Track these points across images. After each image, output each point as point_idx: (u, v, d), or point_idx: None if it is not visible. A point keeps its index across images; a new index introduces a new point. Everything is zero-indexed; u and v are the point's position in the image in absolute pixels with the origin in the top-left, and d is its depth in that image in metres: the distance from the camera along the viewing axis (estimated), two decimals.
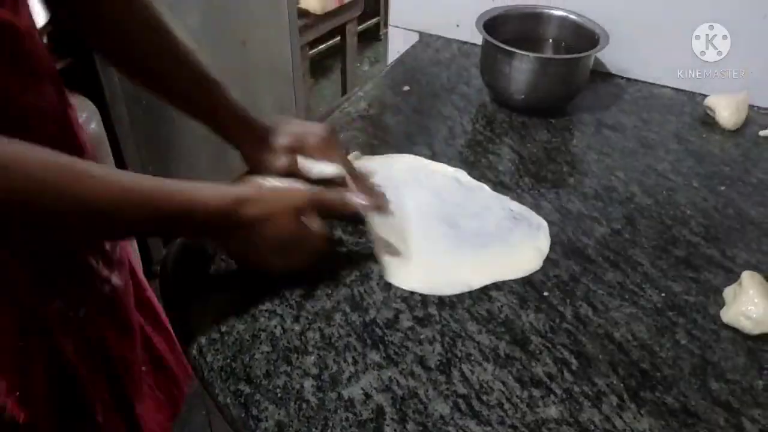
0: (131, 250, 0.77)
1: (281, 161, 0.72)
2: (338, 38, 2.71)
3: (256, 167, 0.73)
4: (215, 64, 1.97)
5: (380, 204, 0.70)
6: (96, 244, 0.63)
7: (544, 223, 0.77)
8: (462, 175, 0.85)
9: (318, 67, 3.11)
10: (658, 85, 1.09)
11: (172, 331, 0.80)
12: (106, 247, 0.65)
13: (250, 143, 0.72)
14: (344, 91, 2.74)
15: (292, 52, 2.15)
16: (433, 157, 0.88)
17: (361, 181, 0.74)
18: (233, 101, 0.70)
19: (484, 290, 0.68)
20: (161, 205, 0.53)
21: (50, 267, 0.58)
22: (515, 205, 0.80)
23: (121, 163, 1.63)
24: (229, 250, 0.67)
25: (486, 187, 0.83)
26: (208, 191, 0.57)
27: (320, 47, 2.94)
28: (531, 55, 0.93)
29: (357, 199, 0.67)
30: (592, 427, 0.55)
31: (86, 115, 1.44)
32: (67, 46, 1.48)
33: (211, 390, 0.58)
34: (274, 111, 2.13)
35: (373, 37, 3.34)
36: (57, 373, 0.59)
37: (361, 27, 3.02)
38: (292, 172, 0.72)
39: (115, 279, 0.67)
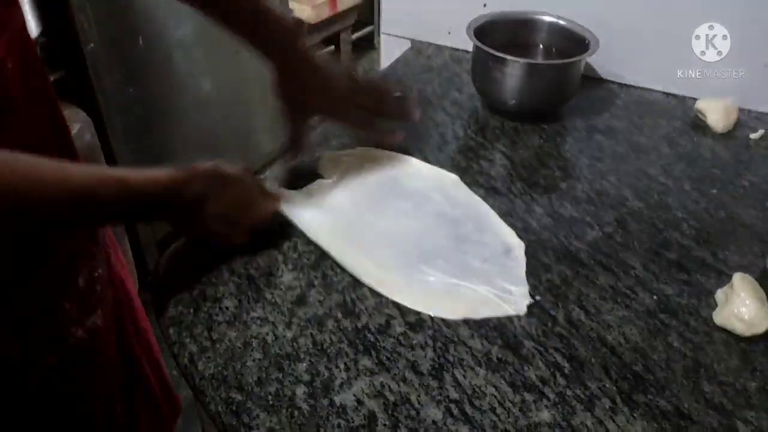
0: (127, 274, 0.76)
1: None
2: (333, 47, 2.71)
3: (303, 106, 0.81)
4: (208, 73, 1.97)
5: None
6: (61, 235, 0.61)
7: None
8: (456, 187, 0.84)
9: None
10: (649, 89, 1.09)
11: (163, 365, 0.79)
12: (79, 285, 0.62)
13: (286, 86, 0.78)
14: None
15: None
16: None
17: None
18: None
19: None
20: (98, 194, 0.53)
21: (14, 311, 0.56)
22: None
23: None
24: (176, 225, 0.68)
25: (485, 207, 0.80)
26: (152, 174, 0.59)
27: None
28: (522, 60, 0.93)
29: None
30: (585, 431, 0.55)
31: (80, 126, 1.43)
32: (60, 58, 1.49)
33: (203, 398, 0.58)
34: (268, 119, 2.13)
35: (368, 45, 3.35)
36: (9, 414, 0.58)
37: (355, 35, 3.03)
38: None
39: (93, 320, 0.63)
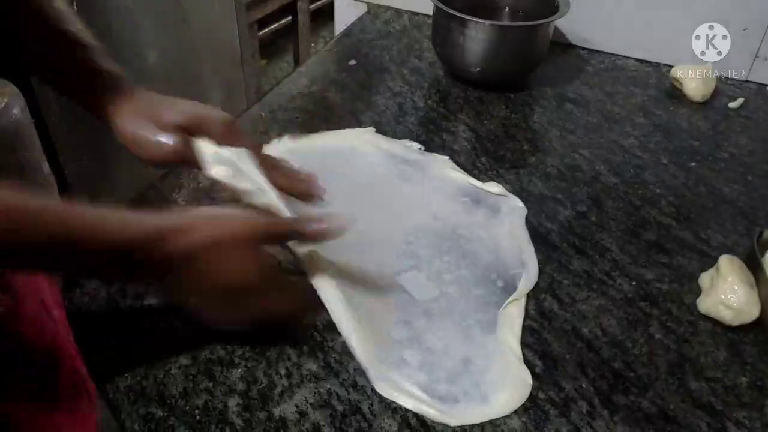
0: (45, 288, 0.66)
1: (169, 141, 0.56)
2: (290, 18, 2.59)
3: (135, 145, 0.58)
4: (155, 44, 1.83)
5: (340, 225, 0.52)
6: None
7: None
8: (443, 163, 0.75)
9: (271, 48, 2.98)
10: (621, 56, 1.02)
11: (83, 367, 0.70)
12: None
13: (126, 113, 0.58)
14: None
15: (239, 31, 2.03)
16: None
17: (280, 169, 0.59)
18: (106, 66, 0.58)
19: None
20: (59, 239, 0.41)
21: None
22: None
23: (51, 151, 1.50)
24: (167, 295, 0.53)
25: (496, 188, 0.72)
26: (121, 222, 0.44)
27: (272, 26, 2.82)
28: (486, 22, 0.85)
29: (318, 225, 0.51)
30: None
31: (7, 101, 1.30)
32: None
33: (117, 414, 0.49)
34: (221, 93, 2.01)
35: (327, 15, 3.22)
36: None
37: (313, 5, 2.90)
38: (182, 157, 0.57)
39: None
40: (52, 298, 0.67)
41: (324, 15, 3.19)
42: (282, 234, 0.52)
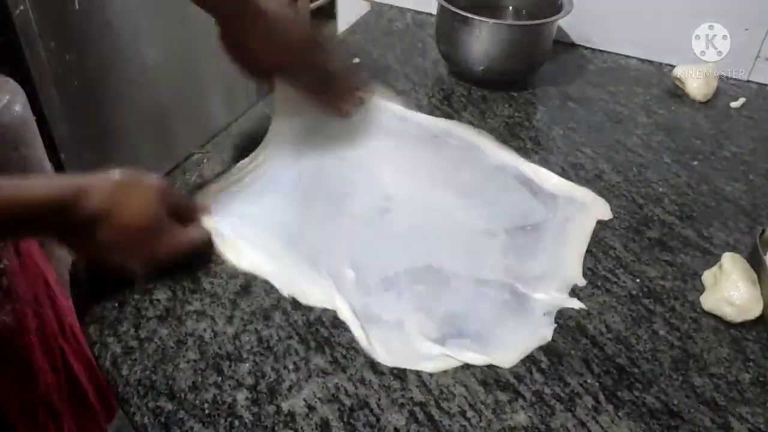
0: (50, 273, 0.66)
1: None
2: None
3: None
4: (155, 44, 1.83)
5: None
6: None
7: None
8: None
9: None
10: (624, 55, 1.03)
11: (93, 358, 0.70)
12: None
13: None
14: None
15: None
16: None
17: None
18: None
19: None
20: None
21: None
22: None
23: (52, 148, 1.50)
24: (74, 248, 0.57)
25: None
26: (39, 183, 0.52)
27: None
28: (490, 21, 0.86)
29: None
30: None
31: (9, 98, 1.31)
32: None
33: (127, 408, 0.50)
34: (222, 92, 2.01)
35: (328, 15, 3.22)
36: None
37: (314, 4, 2.91)
38: None
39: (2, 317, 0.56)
40: (61, 306, 0.67)
41: (323, 14, 3.19)
42: (176, 202, 0.59)
